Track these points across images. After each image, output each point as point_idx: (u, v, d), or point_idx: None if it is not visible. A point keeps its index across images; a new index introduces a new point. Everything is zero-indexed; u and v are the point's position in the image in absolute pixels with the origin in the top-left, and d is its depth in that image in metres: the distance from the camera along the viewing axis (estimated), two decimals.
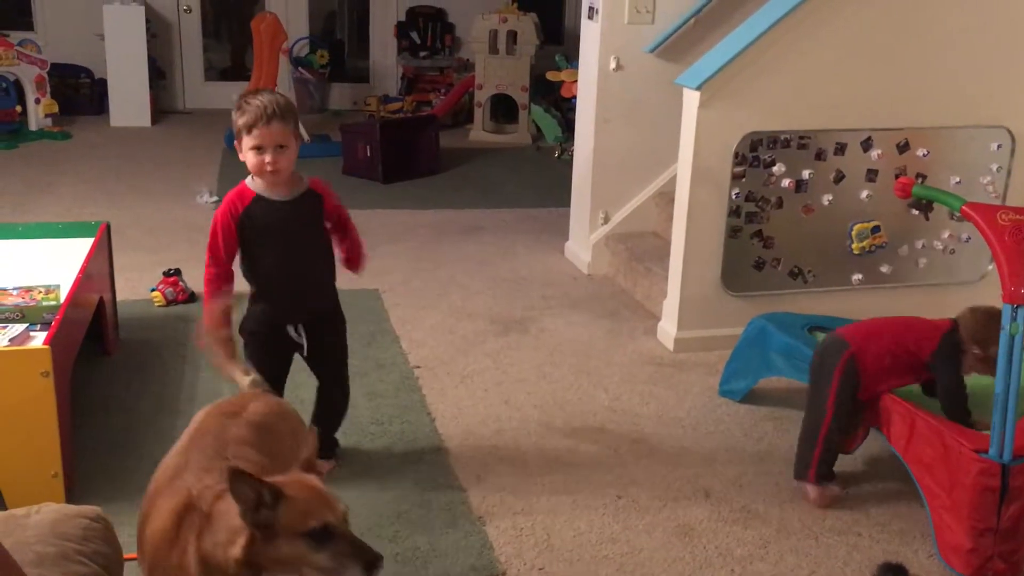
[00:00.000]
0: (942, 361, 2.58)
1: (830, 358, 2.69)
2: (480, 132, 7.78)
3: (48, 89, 7.26)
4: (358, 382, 3.33)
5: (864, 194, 3.71)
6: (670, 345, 3.76)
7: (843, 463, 2.93)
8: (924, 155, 3.71)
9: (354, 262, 2.71)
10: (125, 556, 1.67)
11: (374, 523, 2.53)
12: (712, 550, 2.50)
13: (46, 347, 2.44)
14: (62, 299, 2.78)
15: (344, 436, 2.96)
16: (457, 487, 2.73)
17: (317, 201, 2.56)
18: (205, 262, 2.52)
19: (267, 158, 2.40)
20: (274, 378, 2.64)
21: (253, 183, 2.50)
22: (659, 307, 3.93)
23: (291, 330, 2.59)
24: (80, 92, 8.00)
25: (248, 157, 2.44)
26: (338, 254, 2.68)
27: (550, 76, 7.20)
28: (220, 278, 2.51)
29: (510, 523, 2.57)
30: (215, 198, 5.51)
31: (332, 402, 2.78)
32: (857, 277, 3.82)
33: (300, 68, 8.47)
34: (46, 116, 7.25)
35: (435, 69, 8.85)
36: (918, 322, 2.71)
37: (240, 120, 2.41)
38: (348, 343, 2.81)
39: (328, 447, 2.76)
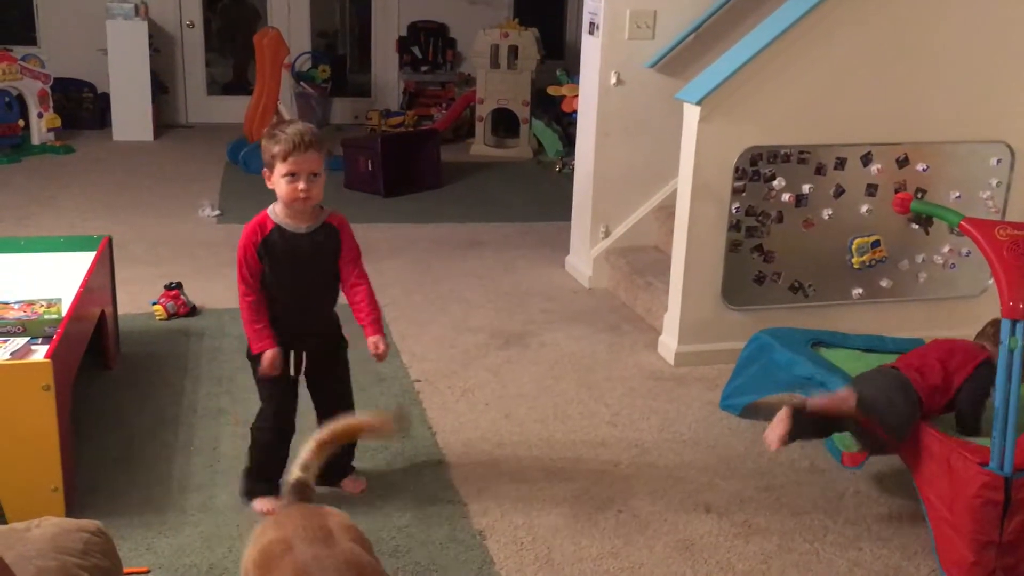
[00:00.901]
0: (971, 385, 2.57)
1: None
2: (481, 146, 7.81)
3: (51, 103, 7.29)
4: (359, 396, 3.31)
5: (864, 208, 3.72)
6: (671, 359, 3.76)
7: (847, 479, 2.93)
8: (924, 170, 3.72)
9: (367, 317, 2.62)
10: (125, 570, 1.67)
11: (375, 537, 2.52)
12: (713, 565, 2.49)
13: (47, 361, 2.44)
14: (64, 313, 2.78)
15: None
16: (458, 501, 2.73)
17: (334, 234, 2.58)
18: (240, 292, 2.54)
19: (300, 185, 2.44)
20: (284, 403, 2.65)
21: (274, 213, 2.53)
22: (660, 321, 3.93)
23: (291, 356, 2.59)
24: (83, 106, 8.03)
25: (280, 185, 2.46)
26: (352, 301, 2.65)
27: (551, 91, 7.23)
28: (259, 302, 2.54)
29: (511, 537, 2.57)
30: (217, 212, 5.52)
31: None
32: (857, 291, 3.82)
33: (302, 83, 8.50)
34: (49, 130, 7.28)
35: (436, 84, 8.88)
36: (960, 348, 2.68)
37: (275, 148, 2.43)
38: (350, 357, 2.80)
39: (351, 466, 2.80)
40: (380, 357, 2.63)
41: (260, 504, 2.63)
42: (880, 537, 2.65)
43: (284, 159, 2.42)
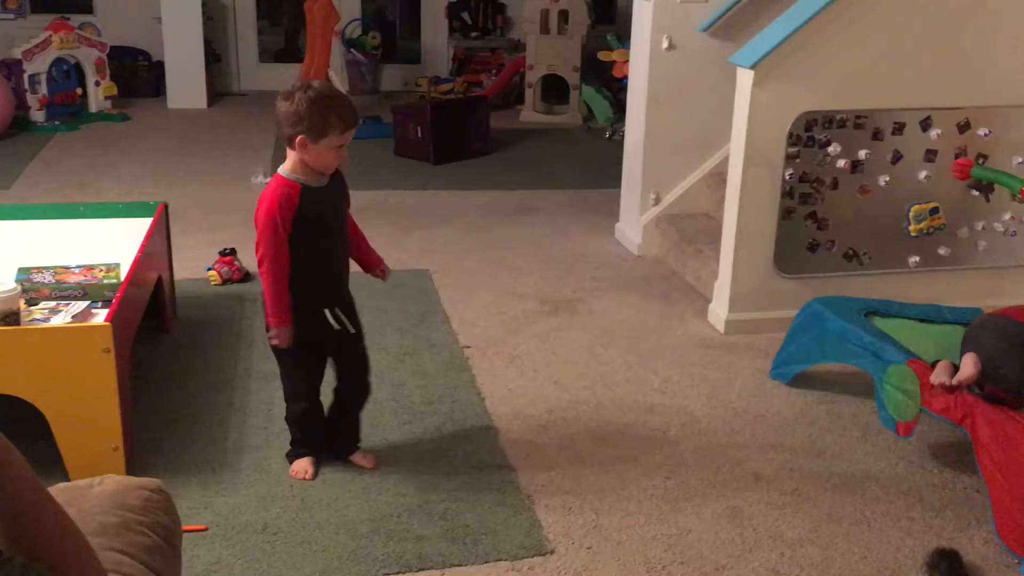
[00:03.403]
0: None
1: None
2: (531, 113, 7.76)
3: (107, 72, 7.40)
4: (408, 362, 3.37)
5: (922, 175, 3.64)
6: (721, 327, 3.73)
7: (900, 449, 2.89)
8: (985, 135, 3.62)
9: (368, 252, 2.72)
10: (183, 528, 1.71)
11: (424, 500, 2.56)
12: (762, 532, 2.49)
13: (107, 324, 2.50)
14: (122, 277, 2.84)
15: (395, 415, 3.00)
16: (506, 466, 2.75)
17: (341, 182, 2.59)
18: (268, 260, 2.45)
19: (345, 153, 2.47)
20: (315, 372, 2.66)
21: (294, 175, 2.46)
22: (710, 289, 3.90)
23: (328, 316, 2.55)
24: (138, 75, 8.14)
25: (327, 155, 2.41)
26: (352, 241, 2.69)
27: (601, 56, 7.15)
28: (285, 274, 2.48)
29: (559, 502, 2.58)
30: (269, 179, 5.57)
31: (358, 394, 2.74)
32: (914, 259, 3.75)
33: (352, 50, 8.51)
34: (106, 98, 7.40)
35: (486, 50, 8.83)
36: None
37: (333, 119, 2.37)
38: (374, 352, 2.82)
39: (358, 439, 2.77)
40: (387, 276, 2.74)
41: (297, 466, 2.67)
42: (933, 507, 2.62)
43: (342, 132, 2.40)
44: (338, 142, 2.42)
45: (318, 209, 2.49)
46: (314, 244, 2.50)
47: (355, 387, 2.74)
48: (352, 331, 2.62)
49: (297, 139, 2.40)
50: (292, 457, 2.71)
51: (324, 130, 2.38)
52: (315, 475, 2.66)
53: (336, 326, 2.57)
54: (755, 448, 2.90)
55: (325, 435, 2.73)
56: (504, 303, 3.99)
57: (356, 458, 2.73)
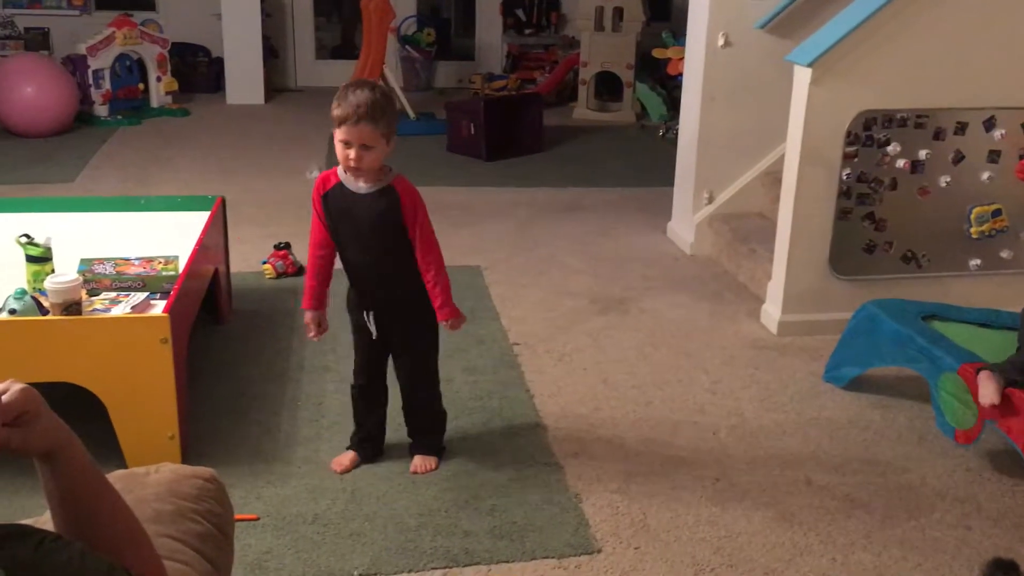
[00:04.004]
0: None
1: None
2: (584, 110, 7.74)
3: (169, 68, 7.54)
4: (457, 357, 3.38)
5: (985, 176, 3.55)
6: (773, 328, 3.69)
7: (958, 456, 2.83)
8: None
9: (435, 302, 2.56)
10: (236, 517, 1.74)
11: (472, 496, 2.57)
12: (813, 537, 2.45)
13: (165, 315, 2.55)
14: (180, 270, 2.89)
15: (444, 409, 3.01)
16: (554, 464, 2.75)
17: (394, 199, 2.49)
18: (310, 244, 2.62)
19: (351, 154, 2.41)
20: (366, 362, 2.70)
21: (341, 170, 2.52)
22: (763, 289, 3.85)
23: (366, 316, 2.61)
24: (198, 70, 8.29)
25: (337, 147, 2.46)
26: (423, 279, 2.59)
27: (656, 53, 7.10)
28: (322, 260, 2.59)
29: (606, 501, 2.58)
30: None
31: (407, 398, 2.74)
32: (975, 263, 3.66)
33: (407, 46, 8.57)
34: (167, 93, 7.54)
35: (540, 47, 8.83)
36: None
37: (334, 111, 2.42)
38: (438, 351, 2.71)
39: (425, 445, 2.75)
40: (450, 328, 2.63)
41: (337, 460, 2.71)
42: (990, 517, 2.56)
43: (339, 125, 2.40)
44: (339, 135, 2.42)
45: (345, 209, 2.49)
46: (344, 243, 2.56)
47: (405, 399, 2.75)
48: (376, 336, 2.61)
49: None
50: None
51: (333, 121, 2.44)
52: (347, 470, 2.67)
53: (372, 328, 2.61)
54: (807, 452, 2.86)
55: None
56: (554, 300, 3.98)
57: (414, 462, 2.72)
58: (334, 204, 2.51)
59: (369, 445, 2.74)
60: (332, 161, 2.56)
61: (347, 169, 2.46)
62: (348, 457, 2.71)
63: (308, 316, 2.66)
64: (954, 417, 2.71)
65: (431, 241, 2.55)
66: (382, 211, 2.48)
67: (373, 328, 2.61)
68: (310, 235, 2.60)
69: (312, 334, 2.68)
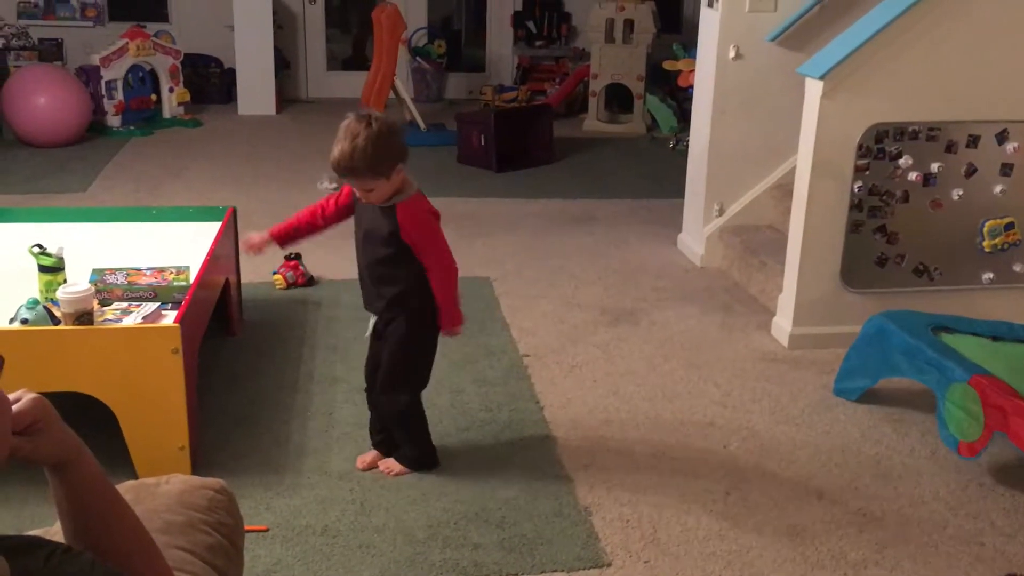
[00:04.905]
0: None
1: None
2: (594, 122, 7.75)
3: (181, 78, 7.59)
4: (467, 369, 3.38)
5: (998, 189, 3.54)
6: (784, 341, 3.67)
7: (970, 470, 2.81)
8: None
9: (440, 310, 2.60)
10: (245, 528, 1.74)
11: (481, 508, 2.56)
12: (824, 552, 2.44)
13: (176, 325, 2.55)
14: (192, 280, 2.90)
15: (454, 422, 3.01)
16: (564, 476, 2.74)
17: (392, 218, 2.49)
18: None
19: (357, 193, 2.54)
20: (367, 365, 2.76)
21: None
22: (773, 302, 3.84)
23: (371, 319, 2.69)
24: (210, 81, 8.33)
25: None
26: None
27: (667, 65, 7.11)
28: (313, 214, 2.69)
29: (616, 514, 2.56)
30: (334, 185, 5.64)
31: (379, 399, 2.73)
32: (988, 276, 3.64)
33: (418, 58, 8.60)
34: (179, 104, 7.58)
35: (550, 58, 8.85)
36: None
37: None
38: (416, 359, 2.68)
39: (395, 449, 2.76)
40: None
41: (360, 457, 2.78)
42: (1004, 532, 2.53)
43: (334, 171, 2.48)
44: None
45: (357, 216, 2.62)
46: (356, 243, 2.63)
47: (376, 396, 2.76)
48: (367, 337, 2.70)
49: None
50: None
51: None
52: (365, 468, 2.74)
53: (370, 328, 2.69)
54: (819, 465, 2.85)
55: None
56: (564, 312, 3.98)
57: (381, 462, 2.75)
58: (358, 208, 2.62)
59: (377, 439, 2.80)
60: None
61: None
62: (371, 456, 2.77)
63: (261, 236, 2.72)
64: (958, 429, 2.68)
65: (432, 261, 2.56)
66: (380, 226, 2.53)
67: (370, 328, 2.68)
68: (331, 199, 2.67)
69: (247, 247, 2.75)
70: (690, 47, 6.23)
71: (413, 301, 2.59)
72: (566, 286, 4.28)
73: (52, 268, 2.80)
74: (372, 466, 2.74)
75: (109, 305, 2.76)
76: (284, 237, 2.73)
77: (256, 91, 7.91)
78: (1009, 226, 3.59)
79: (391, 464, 2.74)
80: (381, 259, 2.57)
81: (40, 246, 2.87)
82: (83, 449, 1.15)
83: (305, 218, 2.71)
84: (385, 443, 2.77)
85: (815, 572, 2.36)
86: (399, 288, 2.58)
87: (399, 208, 2.49)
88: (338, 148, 2.39)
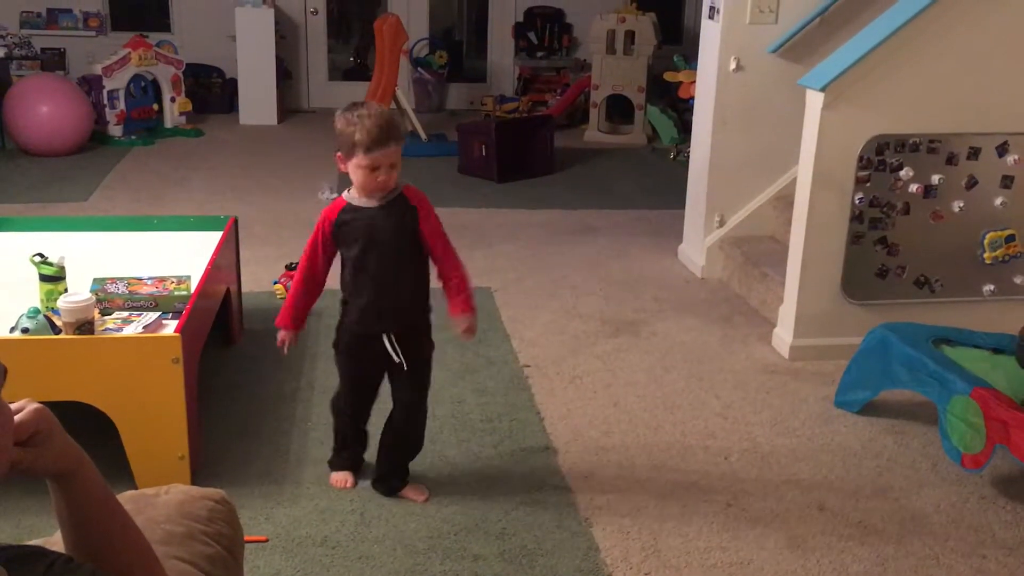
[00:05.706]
0: None
1: None
2: (595, 132, 7.76)
3: (183, 88, 7.60)
4: (468, 379, 3.37)
5: (998, 201, 3.54)
6: (785, 353, 3.67)
7: (971, 483, 2.81)
8: None
9: (453, 296, 2.55)
10: (245, 538, 1.73)
11: (481, 519, 2.56)
12: (826, 564, 2.43)
13: (177, 335, 2.55)
14: (192, 290, 2.90)
15: (454, 432, 3.01)
16: (564, 487, 2.73)
17: (410, 208, 2.47)
18: (299, 265, 2.59)
19: (380, 177, 2.38)
20: (362, 395, 2.66)
21: (346, 192, 2.50)
22: (774, 313, 3.84)
23: (386, 341, 2.52)
24: (212, 91, 8.34)
25: (357, 174, 2.40)
26: (442, 277, 2.57)
27: (668, 76, 7.12)
28: (309, 282, 2.58)
29: (616, 526, 2.56)
30: (335, 195, 5.65)
31: (403, 431, 2.67)
32: (989, 288, 3.64)
33: (419, 68, 8.62)
34: (180, 114, 7.59)
35: (552, 69, 8.87)
36: None
37: (356, 137, 2.34)
38: (434, 368, 2.68)
39: (403, 469, 2.71)
40: (465, 336, 2.58)
41: (334, 477, 2.72)
42: (1006, 545, 2.53)
43: (366, 151, 2.34)
44: (364, 162, 2.35)
45: (363, 229, 2.45)
46: (361, 264, 2.48)
47: (396, 431, 2.67)
48: (399, 362, 2.53)
49: (336, 155, 2.45)
50: (330, 465, 2.75)
51: (351, 149, 2.37)
52: (355, 483, 2.70)
53: (393, 355, 2.53)
54: (820, 478, 2.84)
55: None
56: (565, 323, 3.97)
57: (407, 492, 2.66)
58: (353, 225, 2.46)
59: (356, 458, 2.75)
60: (344, 181, 2.56)
61: (373, 192, 2.43)
62: (346, 474, 2.71)
63: (283, 335, 2.61)
64: (961, 441, 2.68)
65: (446, 238, 2.55)
66: (400, 218, 2.46)
67: (393, 352, 2.52)
68: (305, 261, 2.55)
69: (285, 348, 2.64)
70: (691, 58, 6.25)
71: (427, 307, 2.60)
72: (567, 297, 4.28)
73: (53, 277, 2.80)
74: (355, 483, 2.69)
75: (110, 314, 2.76)
76: (302, 317, 2.62)
77: (258, 101, 7.92)
78: (1010, 238, 3.59)
79: (421, 488, 2.67)
80: (408, 255, 2.49)
81: (41, 255, 2.87)
82: (84, 459, 1.15)
83: (302, 287, 2.58)
84: (357, 457, 2.74)
85: None
86: (421, 292, 2.56)
87: (407, 190, 2.48)
88: (371, 121, 2.33)
